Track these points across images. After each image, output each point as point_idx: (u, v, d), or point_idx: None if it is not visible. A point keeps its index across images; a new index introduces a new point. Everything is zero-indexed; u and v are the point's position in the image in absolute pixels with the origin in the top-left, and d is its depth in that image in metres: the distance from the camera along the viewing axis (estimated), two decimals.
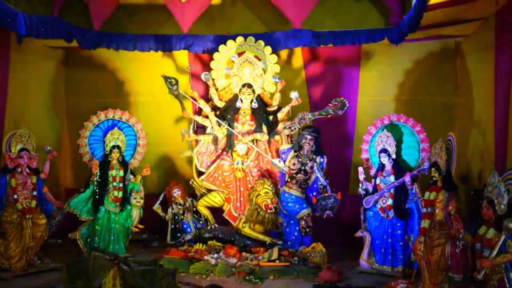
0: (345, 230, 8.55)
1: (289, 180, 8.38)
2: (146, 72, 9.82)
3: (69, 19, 8.58)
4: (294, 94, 8.55)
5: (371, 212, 7.73)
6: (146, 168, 8.66)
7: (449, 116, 9.04)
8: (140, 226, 8.56)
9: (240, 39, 8.84)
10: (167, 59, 9.79)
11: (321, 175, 8.17)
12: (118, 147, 8.42)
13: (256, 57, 8.82)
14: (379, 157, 7.74)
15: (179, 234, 8.83)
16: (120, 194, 8.33)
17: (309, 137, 8.33)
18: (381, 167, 7.73)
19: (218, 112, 8.84)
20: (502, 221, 5.46)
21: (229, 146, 8.69)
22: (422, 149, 7.74)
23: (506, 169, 6.19)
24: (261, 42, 8.82)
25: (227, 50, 8.92)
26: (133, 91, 10.02)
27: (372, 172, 7.94)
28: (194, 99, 8.91)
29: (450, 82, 9.11)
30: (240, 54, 8.86)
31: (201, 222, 8.91)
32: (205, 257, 7.75)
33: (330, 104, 8.44)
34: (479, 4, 6.91)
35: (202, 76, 8.86)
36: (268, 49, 8.81)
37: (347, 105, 8.44)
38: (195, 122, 8.93)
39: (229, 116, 8.75)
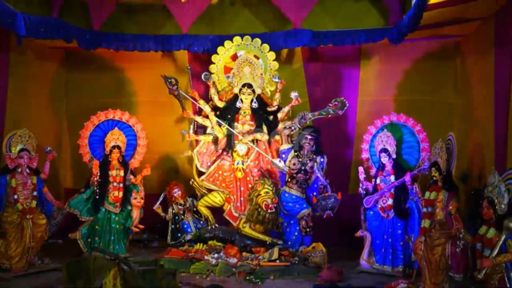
0: (345, 230, 8.55)
1: (289, 180, 8.37)
2: (146, 72, 9.82)
3: (69, 19, 8.60)
4: (294, 94, 8.56)
5: (371, 212, 7.73)
6: (146, 168, 8.66)
7: (449, 115, 9.04)
8: (141, 226, 8.54)
9: (238, 39, 8.85)
10: (167, 59, 9.80)
11: (321, 175, 8.17)
12: (119, 147, 8.41)
13: (255, 56, 8.83)
14: (379, 157, 7.74)
15: (179, 234, 8.85)
16: (121, 194, 8.33)
17: (309, 137, 8.33)
18: (381, 167, 7.73)
19: (218, 112, 8.84)
20: (502, 221, 5.46)
21: (229, 146, 8.70)
22: (422, 148, 7.74)
23: (506, 168, 6.18)
24: (258, 40, 8.82)
25: (225, 51, 8.94)
26: (133, 91, 10.03)
27: (372, 172, 7.94)
28: (194, 99, 8.92)
29: (450, 81, 9.12)
30: (235, 56, 8.88)
31: (201, 222, 8.92)
32: (206, 257, 7.75)
33: (330, 104, 8.45)
34: (479, 4, 6.92)
35: (202, 76, 8.86)
36: (266, 47, 8.81)
37: (347, 105, 8.45)
38: (195, 122, 8.94)
39: (229, 116, 8.76)
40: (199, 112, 9.07)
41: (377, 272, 7.55)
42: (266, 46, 8.84)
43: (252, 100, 8.75)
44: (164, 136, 9.68)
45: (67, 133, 10.05)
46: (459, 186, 6.77)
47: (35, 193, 7.65)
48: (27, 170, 7.66)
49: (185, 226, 8.86)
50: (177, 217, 8.91)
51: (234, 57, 9.00)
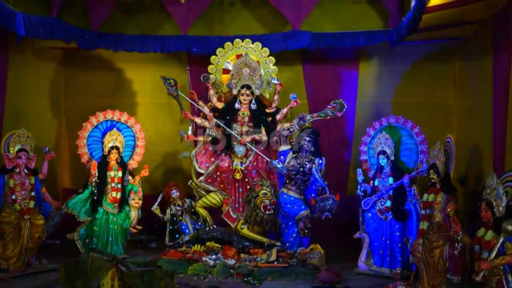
0: (343, 231, 8.54)
1: (287, 181, 8.37)
2: (145, 72, 9.82)
3: (68, 19, 8.59)
4: (292, 96, 8.56)
5: (369, 214, 7.74)
6: (144, 169, 8.66)
7: (448, 118, 9.02)
8: (139, 227, 8.55)
9: (238, 41, 8.85)
10: (166, 60, 9.78)
11: (320, 177, 8.17)
12: (117, 148, 8.41)
13: (254, 58, 8.82)
14: (378, 158, 7.74)
15: (177, 235, 8.83)
16: (119, 195, 8.33)
17: (307, 138, 8.32)
18: (380, 168, 7.73)
19: (217, 114, 8.83)
20: (500, 223, 5.46)
21: (228, 147, 8.69)
22: (420, 151, 7.75)
23: (505, 171, 6.20)
24: (259, 44, 8.82)
25: (225, 53, 8.93)
26: (132, 92, 10.02)
27: (371, 173, 7.95)
28: (193, 100, 8.91)
29: (449, 84, 9.11)
30: (238, 56, 8.88)
31: (199, 223, 8.91)
32: (204, 258, 7.75)
33: (328, 106, 8.45)
34: (478, 7, 6.92)
35: (201, 78, 8.85)
36: (266, 51, 8.82)
37: (346, 106, 8.45)
38: (194, 123, 8.93)
39: (228, 117, 8.75)
40: (197, 113, 9.06)
41: (375, 274, 7.55)
42: (266, 50, 8.83)
43: (250, 102, 8.75)
44: (162, 137, 9.68)
45: (65, 133, 10.03)
46: (457, 188, 6.78)
47: (33, 194, 7.65)
48: (25, 171, 7.66)
49: (183, 227, 8.85)
50: (175, 218, 8.90)
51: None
